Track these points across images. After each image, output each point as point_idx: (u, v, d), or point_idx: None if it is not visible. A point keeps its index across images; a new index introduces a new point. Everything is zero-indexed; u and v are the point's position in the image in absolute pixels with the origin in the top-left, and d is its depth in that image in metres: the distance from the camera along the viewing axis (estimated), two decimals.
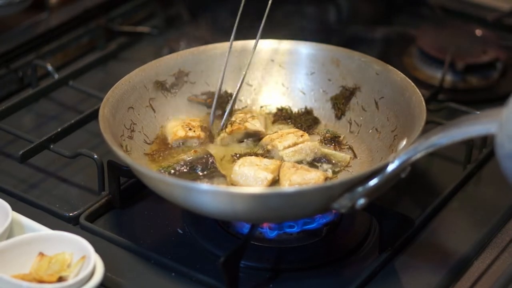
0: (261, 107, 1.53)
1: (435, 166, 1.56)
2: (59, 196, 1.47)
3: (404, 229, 1.36)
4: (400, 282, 1.32)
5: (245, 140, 1.46)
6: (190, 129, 1.45)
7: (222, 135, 1.46)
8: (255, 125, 1.46)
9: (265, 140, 1.44)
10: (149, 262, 1.33)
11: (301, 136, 1.42)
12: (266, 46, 1.53)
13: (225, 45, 1.52)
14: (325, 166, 1.40)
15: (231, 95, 1.52)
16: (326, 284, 1.31)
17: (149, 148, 1.43)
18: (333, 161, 1.40)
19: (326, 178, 1.35)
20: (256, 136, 1.46)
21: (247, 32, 1.49)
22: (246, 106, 1.53)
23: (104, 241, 1.37)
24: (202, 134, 1.45)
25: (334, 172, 1.39)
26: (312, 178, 1.33)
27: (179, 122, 1.47)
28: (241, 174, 1.34)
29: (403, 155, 1.21)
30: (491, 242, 1.39)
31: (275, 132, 1.45)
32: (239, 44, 1.53)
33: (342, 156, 1.42)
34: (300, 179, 1.32)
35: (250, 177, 1.33)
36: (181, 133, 1.44)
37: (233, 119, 1.47)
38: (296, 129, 1.45)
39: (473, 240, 1.39)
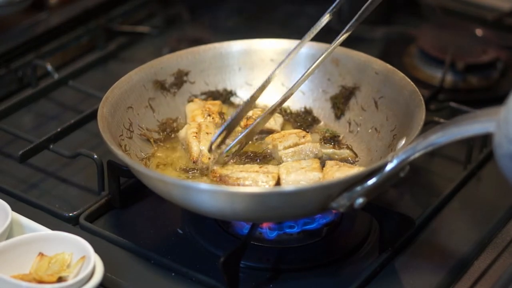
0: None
1: (435, 166, 1.56)
2: (58, 196, 1.47)
3: (404, 229, 1.35)
4: (400, 282, 1.32)
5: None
6: (209, 115, 1.45)
7: (236, 128, 1.45)
8: (270, 123, 1.45)
9: (267, 139, 1.43)
10: (149, 262, 1.33)
11: (303, 137, 1.41)
12: (266, 45, 1.53)
13: (224, 44, 1.53)
14: None
15: (230, 92, 1.52)
16: (326, 284, 1.31)
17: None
18: (338, 159, 1.40)
19: None
20: (270, 134, 1.44)
21: (246, 32, 1.49)
22: None
23: (104, 241, 1.36)
24: (219, 121, 1.44)
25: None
26: (355, 174, 1.31)
27: (198, 106, 1.47)
28: (293, 181, 1.31)
29: (401, 154, 1.21)
30: (492, 242, 1.39)
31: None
32: (239, 43, 1.53)
33: (343, 152, 1.41)
34: (344, 176, 1.29)
35: (304, 181, 1.31)
36: (199, 119, 1.44)
37: (249, 114, 1.46)
38: (299, 130, 1.44)
39: (473, 240, 1.39)
